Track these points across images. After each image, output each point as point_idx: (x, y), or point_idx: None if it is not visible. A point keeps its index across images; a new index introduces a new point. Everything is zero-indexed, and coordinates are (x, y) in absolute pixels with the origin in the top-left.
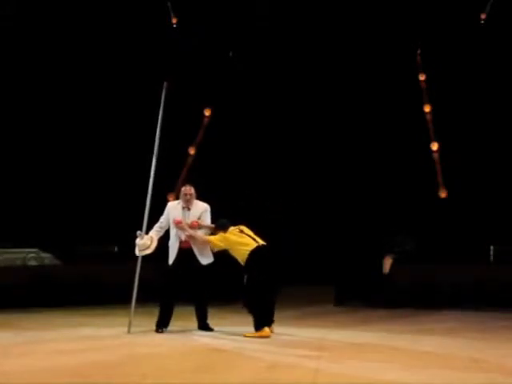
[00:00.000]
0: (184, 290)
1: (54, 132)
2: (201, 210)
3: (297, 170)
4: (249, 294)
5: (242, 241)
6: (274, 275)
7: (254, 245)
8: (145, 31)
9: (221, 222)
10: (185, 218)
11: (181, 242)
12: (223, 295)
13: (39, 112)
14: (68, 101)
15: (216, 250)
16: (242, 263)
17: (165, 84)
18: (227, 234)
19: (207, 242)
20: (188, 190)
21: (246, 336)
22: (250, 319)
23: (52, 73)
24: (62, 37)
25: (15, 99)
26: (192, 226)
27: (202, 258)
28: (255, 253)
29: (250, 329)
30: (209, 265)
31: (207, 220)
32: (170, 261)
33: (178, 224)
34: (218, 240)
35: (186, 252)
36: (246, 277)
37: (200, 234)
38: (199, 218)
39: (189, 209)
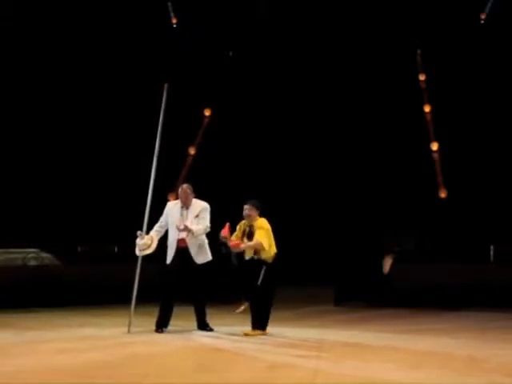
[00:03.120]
0: (182, 289)
1: (54, 132)
2: (199, 208)
3: (297, 169)
4: (266, 294)
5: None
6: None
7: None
8: (145, 31)
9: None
10: (183, 217)
11: (178, 242)
12: (223, 295)
13: (39, 112)
14: (68, 101)
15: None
16: (267, 259)
17: (165, 86)
18: (268, 231)
19: (260, 246)
20: (184, 189)
21: (248, 335)
22: (249, 319)
23: (52, 73)
24: (61, 37)
25: (15, 99)
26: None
27: (197, 258)
28: (278, 255)
29: (251, 329)
30: (205, 264)
31: (206, 218)
32: (168, 260)
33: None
34: (266, 242)
35: (183, 251)
36: (264, 273)
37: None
38: (197, 216)
39: (187, 208)
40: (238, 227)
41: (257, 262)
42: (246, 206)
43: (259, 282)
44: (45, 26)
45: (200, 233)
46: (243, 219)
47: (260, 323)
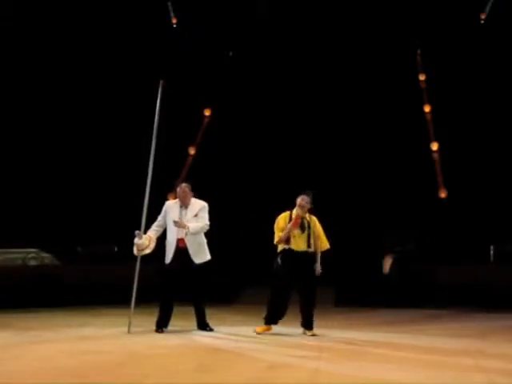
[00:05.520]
0: (182, 289)
1: (53, 132)
2: (198, 207)
3: (296, 169)
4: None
5: None
6: None
7: None
8: (145, 31)
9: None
10: (182, 216)
11: (177, 242)
12: (223, 295)
13: (38, 112)
14: (67, 101)
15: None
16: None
17: (161, 82)
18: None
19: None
20: (182, 188)
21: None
22: (249, 319)
23: (51, 72)
24: (61, 37)
25: (14, 99)
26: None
27: (195, 258)
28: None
29: (251, 329)
30: (204, 264)
31: (205, 217)
32: (167, 260)
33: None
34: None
35: (182, 251)
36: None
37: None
38: (196, 215)
39: (186, 207)
40: (281, 220)
41: (310, 255)
42: (302, 197)
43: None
44: (45, 25)
45: (197, 230)
46: (283, 210)
47: (311, 322)
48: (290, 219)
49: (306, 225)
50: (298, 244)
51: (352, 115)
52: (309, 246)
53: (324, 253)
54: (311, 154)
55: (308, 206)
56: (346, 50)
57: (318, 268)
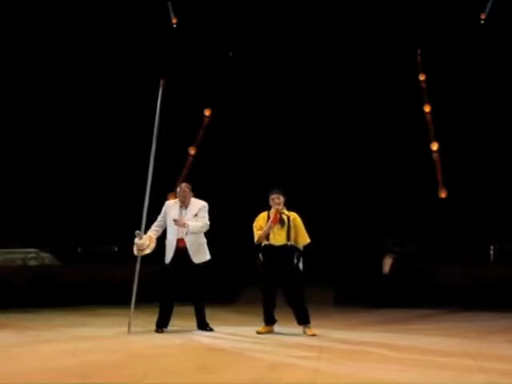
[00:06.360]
0: (182, 289)
1: (53, 132)
2: (198, 207)
3: (297, 169)
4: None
5: None
6: None
7: None
8: (145, 31)
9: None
10: (182, 216)
11: (177, 242)
12: (224, 295)
13: (38, 112)
14: (67, 101)
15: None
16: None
17: (161, 82)
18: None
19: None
20: (182, 188)
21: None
22: (249, 319)
23: (51, 72)
24: (61, 36)
25: (15, 99)
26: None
27: (195, 258)
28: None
29: (251, 329)
30: (204, 263)
31: (205, 216)
32: (167, 260)
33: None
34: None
35: (182, 251)
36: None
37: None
38: (196, 215)
39: (186, 207)
40: (260, 219)
41: (290, 248)
42: (277, 195)
43: (296, 265)
44: (45, 25)
45: (197, 229)
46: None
47: (307, 316)
48: (269, 218)
49: (286, 218)
50: (277, 238)
51: (352, 115)
52: (288, 239)
53: (324, 252)
54: (311, 153)
55: (282, 198)
56: (346, 49)
57: (296, 260)
